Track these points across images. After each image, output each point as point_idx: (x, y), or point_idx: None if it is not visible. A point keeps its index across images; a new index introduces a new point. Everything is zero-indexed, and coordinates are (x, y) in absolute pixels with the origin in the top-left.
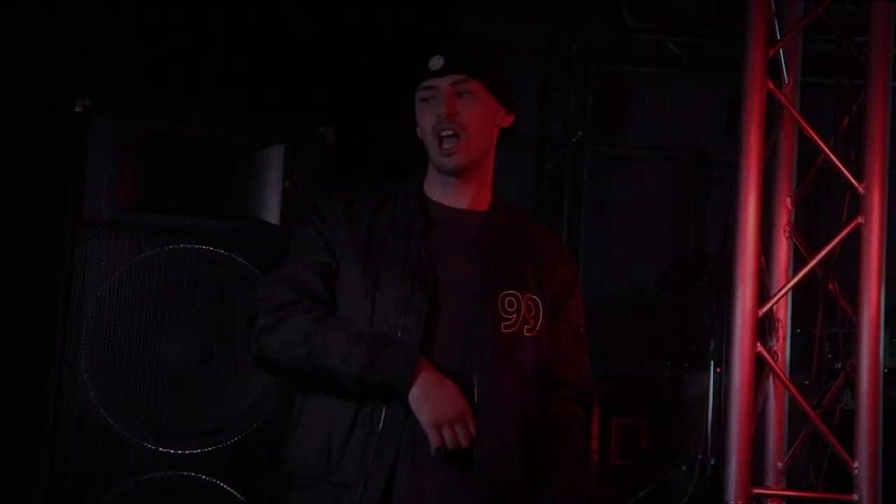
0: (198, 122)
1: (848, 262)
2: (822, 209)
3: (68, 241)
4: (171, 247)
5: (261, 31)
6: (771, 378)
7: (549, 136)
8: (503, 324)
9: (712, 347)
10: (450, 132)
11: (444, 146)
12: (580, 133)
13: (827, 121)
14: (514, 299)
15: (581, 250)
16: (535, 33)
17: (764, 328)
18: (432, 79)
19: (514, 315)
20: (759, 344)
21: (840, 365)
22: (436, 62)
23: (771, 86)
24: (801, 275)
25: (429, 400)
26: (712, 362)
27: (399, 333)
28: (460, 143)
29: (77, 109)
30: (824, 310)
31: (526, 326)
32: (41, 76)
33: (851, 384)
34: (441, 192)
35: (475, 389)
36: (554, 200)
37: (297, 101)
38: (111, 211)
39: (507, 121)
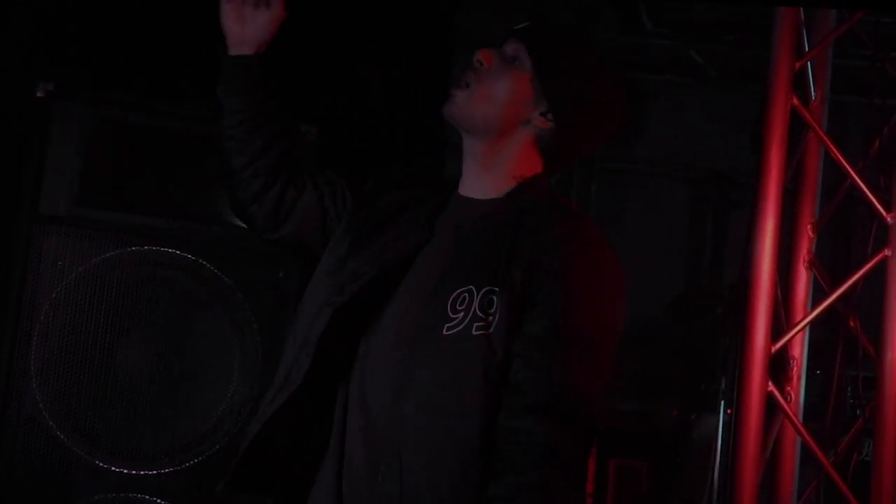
0: (170, 115)
1: (873, 297)
2: (847, 239)
3: (23, 237)
4: (133, 248)
5: None
6: (782, 420)
7: None
8: (446, 325)
9: (723, 386)
10: (465, 81)
11: (456, 85)
12: None
13: (856, 143)
14: (466, 295)
15: None
16: None
17: (777, 366)
18: (507, 39)
19: (462, 313)
20: (770, 383)
21: (860, 411)
22: (520, 24)
23: (796, 101)
24: (819, 309)
25: None
26: (723, 402)
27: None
28: (465, 91)
29: (38, 94)
30: (844, 349)
31: (476, 324)
32: (1, 55)
33: (871, 432)
34: (464, 181)
35: (389, 404)
36: None
37: (279, 97)
38: (71, 206)
39: (540, 122)
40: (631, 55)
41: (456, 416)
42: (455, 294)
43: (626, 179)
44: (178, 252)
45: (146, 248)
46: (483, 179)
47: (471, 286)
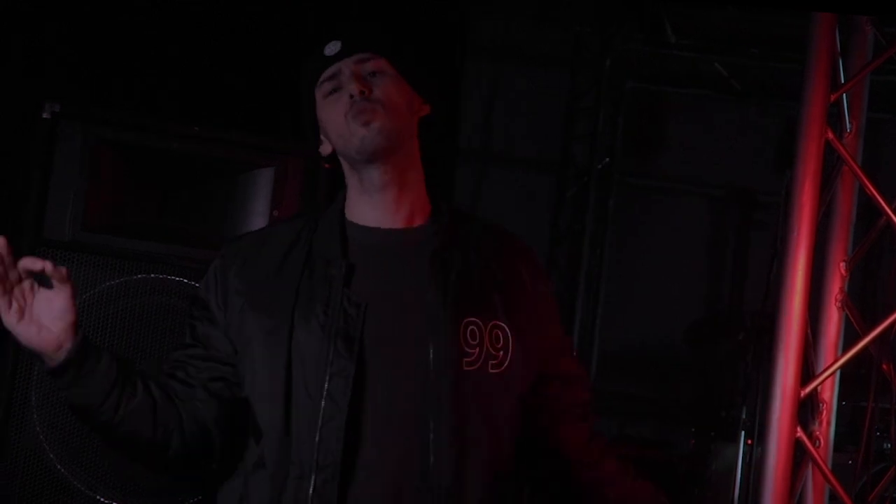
0: (179, 137)
1: None
2: (881, 277)
3: None
4: (140, 276)
5: (257, 44)
6: (811, 466)
7: (572, 159)
8: (465, 360)
9: (744, 416)
10: (366, 119)
11: (362, 117)
12: (607, 159)
13: (889, 163)
14: (476, 329)
15: (601, 293)
16: (563, 41)
17: (806, 409)
18: (332, 65)
19: (477, 349)
20: (799, 428)
21: (890, 445)
22: (332, 47)
23: (830, 136)
24: (851, 353)
25: None
26: (743, 432)
27: (322, 403)
28: (378, 112)
29: (44, 115)
30: (876, 391)
31: (491, 362)
32: (5, 75)
33: None
34: (366, 211)
35: (431, 442)
36: (573, 234)
37: (293, 120)
38: (75, 231)
39: (424, 110)
40: (652, 67)
41: (486, 459)
42: (464, 325)
43: (644, 196)
44: (185, 280)
45: (153, 276)
46: (400, 200)
47: (476, 318)
